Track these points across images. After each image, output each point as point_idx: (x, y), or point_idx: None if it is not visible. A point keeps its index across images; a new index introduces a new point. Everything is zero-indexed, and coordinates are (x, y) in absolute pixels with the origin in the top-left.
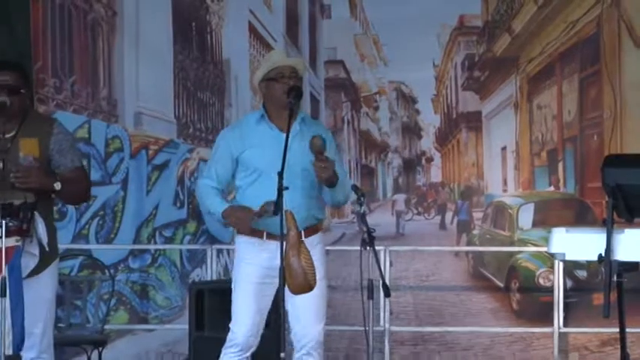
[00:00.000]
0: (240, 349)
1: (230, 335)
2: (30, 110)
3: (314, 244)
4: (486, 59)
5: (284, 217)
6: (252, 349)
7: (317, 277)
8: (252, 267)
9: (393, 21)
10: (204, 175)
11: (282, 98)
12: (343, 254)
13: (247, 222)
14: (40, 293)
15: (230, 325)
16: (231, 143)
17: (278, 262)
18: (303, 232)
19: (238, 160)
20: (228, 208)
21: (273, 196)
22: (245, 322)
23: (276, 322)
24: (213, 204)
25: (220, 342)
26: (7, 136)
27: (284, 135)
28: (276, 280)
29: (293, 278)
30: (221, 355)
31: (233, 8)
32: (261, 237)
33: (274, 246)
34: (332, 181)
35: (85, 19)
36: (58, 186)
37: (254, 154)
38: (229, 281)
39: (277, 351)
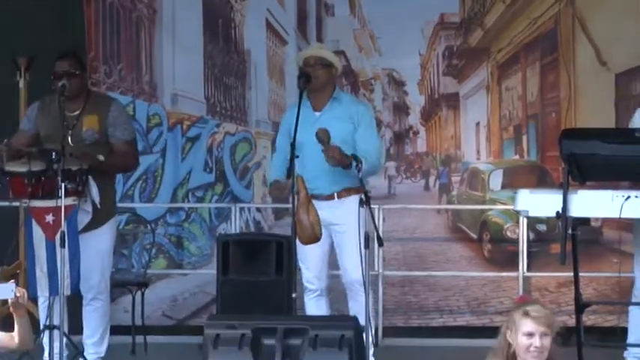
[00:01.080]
0: (313, 291)
1: (304, 283)
2: (92, 92)
3: (345, 204)
4: (463, 50)
5: (295, 181)
6: (325, 285)
7: (346, 230)
8: None
9: (386, 18)
10: (276, 150)
11: (316, 83)
12: None
13: (276, 190)
14: (99, 245)
15: (302, 272)
16: (286, 120)
17: (324, 217)
18: (336, 194)
19: (290, 132)
20: (273, 181)
21: (309, 163)
22: (311, 263)
23: (288, 268)
24: (269, 177)
25: (242, 284)
26: (73, 114)
27: (316, 113)
28: (327, 230)
29: (303, 231)
30: (305, 301)
31: (253, 7)
32: None
33: (318, 204)
34: (343, 164)
35: (130, 16)
36: (101, 158)
37: (299, 131)
38: (250, 234)
39: (289, 292)
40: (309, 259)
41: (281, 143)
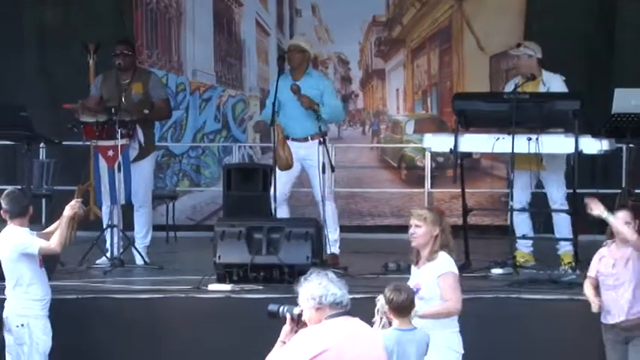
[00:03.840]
0: (277, 202)
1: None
2: (136, 66)
3: (312, 145)
4: (388, 39)
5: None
6: (285, 199)
7: (313, 163)
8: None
9: (336, 18)
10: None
11: (295, 62)
12: None
13: (257, 128)
14: (143, 171)
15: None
16: (273, 87)
17: (298, 153)
18: (309, 137)
19: (277, 97)
20: (256, 122)
21: (290, 117)
22: (278, 186)
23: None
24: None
25: (240, 197)
26: (124, 82)
27: (295, 82)
28: (300, 161)
29: (280, 161)
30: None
31: (247, 11)
32: (287, 139)
33: (294, 145)
34: (312, 109)
35: (164, 16)
36: (146, 111)
37: (280, 94)
38: (245, 164)
39: (271, 203)
40: (278, 184)
41: (269, 99)
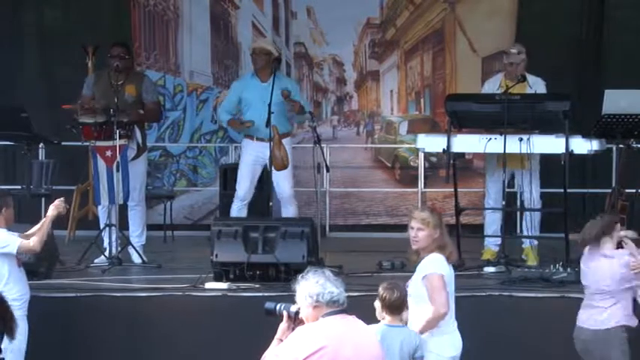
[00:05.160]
0: (242, 200)
1: (236, 193)
2: (131, 68)
3: (285, 143)
4: (382, 41)
5: (271, 129)
6: (248, 200)
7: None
8: (248, 156)
9: (331, 21)
10: (222, 104)
11: (260, 64)
12: (304, 149)
13: (236, 125)
14: (139, 170)
15: (236, 187)
16: (237, 88)
17: (264, 153)
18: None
19: (240, 97)
20: (229, 119)
21: (258, 117)
22: (244, 185)
23: (266, 185)
24: (223, 119)
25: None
26: (119, 83)
27: (264, 83)
28: (263, 163)
29: (276, 162)
30: (232, 206)
31: (243, 13)
32: (252, 139)
33: (260, 145)
34: (299, 111)
35: (162, 19)
36: (141, 111)
37: (248, 94)
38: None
39: (267, 201)
40: (242, 183)
41: (229, 103)
